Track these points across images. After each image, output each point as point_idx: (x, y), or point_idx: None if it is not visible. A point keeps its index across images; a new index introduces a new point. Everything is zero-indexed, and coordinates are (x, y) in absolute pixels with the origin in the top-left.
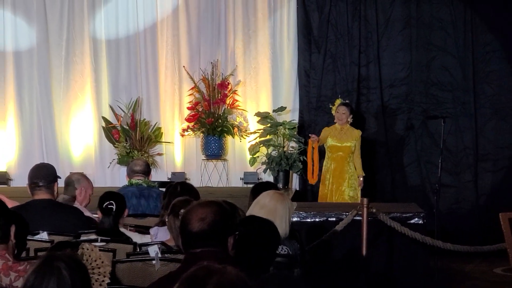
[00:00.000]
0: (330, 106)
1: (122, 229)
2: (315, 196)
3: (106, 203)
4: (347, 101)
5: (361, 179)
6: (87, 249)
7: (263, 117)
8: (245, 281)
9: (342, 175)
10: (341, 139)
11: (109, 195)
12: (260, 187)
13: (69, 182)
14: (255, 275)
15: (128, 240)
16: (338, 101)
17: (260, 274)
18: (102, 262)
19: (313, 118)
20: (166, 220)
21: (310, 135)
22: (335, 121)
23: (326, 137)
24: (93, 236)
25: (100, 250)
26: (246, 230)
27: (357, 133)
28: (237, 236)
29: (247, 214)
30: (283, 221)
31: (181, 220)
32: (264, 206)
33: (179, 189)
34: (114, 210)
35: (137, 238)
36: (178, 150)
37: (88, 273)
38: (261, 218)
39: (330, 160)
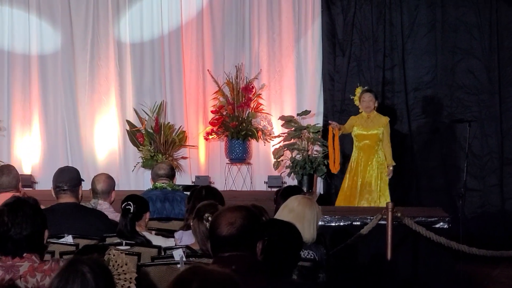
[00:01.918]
0: (352, 97)
1: (144, 233)
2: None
3: (124, 204)
4: (366, 87)
5: (391, 168)
6: (114, 255)
7: (287, 120)
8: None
9: (368, 165)
10: (368, 127)
11: (129, 197)
12: (288, 191)
13: (106, 190)
14: (277, 279)
15: (152, 244)
16: (358, 90)
17: (283, 278)
18: (128, 268)
19: (337, 122)
20: (191, 224)
21: (329, 121)
22: (361, 110)
23: (351, 126)
24: (117, 240)
25: (124, 253)
26: (268, 234)
27: (385, 119)
28: (266, 241)
29: (275, 217)
30: (311, 226)
31: (210, 224)
32: (292, 210)
33: (204, 193)
34: (131, 211)
35: (160, 241)
36: (202, 154)
37: (113, 277)
38: (283, 221)
39: (357, 149)
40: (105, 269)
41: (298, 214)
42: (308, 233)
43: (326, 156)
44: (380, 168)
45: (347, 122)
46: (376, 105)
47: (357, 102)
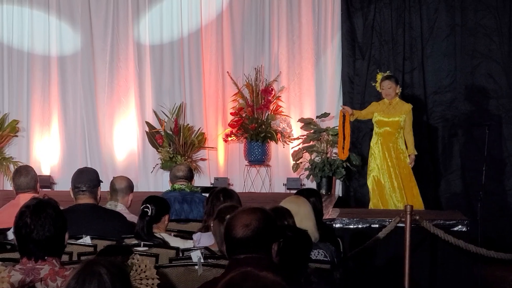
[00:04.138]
0: (373, 84)
1: (163, 234)
2: (358, 202)
3: (143, 206)
4: (388, 71)
5: (413, 157)
6: (138, 260)
7: (307, 123)
8: (282, 286)
9: (389, 153)
10: (389, 114)
11: (151, 199)
12: (302, 194)
13: (124, 188)
14: (295, 280)
15: (170, 245)
16: (379, 76)
17: (300, 279)
18: (152, 274)
19: (356, 125)
20: (211, 225)
21: (342, 105)
22: (383, 96)
23: (371, 112)
24: (135, 241)
25: (142, 254)
26: (283, 235)
27: (407, 107)
28: (281, 243)
29: None
30: (310, 220)
31: (225, 226)
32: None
33: (221, 198)
34: (149, 213)
35: (179, 243)
36: (221, 156)
37: (130, 278)
38: (293, 226)
39: (377, 136)
40: (122, 270)
41: (296, 213)
42: (310, 228)
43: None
44: (400, 157)
45: (367, 108)
46: (397, 91)
47: (378, 88)
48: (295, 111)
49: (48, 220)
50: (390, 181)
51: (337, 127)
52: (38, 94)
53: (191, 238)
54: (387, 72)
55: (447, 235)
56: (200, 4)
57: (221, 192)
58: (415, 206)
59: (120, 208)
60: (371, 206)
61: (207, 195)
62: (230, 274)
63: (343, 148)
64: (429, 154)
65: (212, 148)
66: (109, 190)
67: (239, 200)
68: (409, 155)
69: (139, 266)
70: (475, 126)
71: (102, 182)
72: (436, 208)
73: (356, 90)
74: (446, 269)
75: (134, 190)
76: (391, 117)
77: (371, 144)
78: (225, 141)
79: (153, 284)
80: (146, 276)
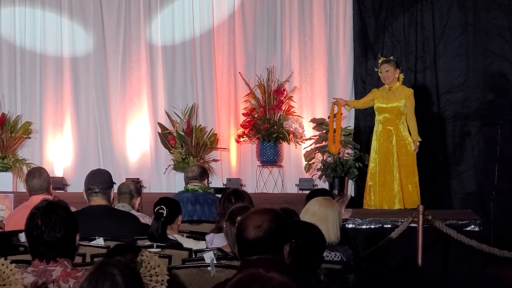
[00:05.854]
0: (376, 70)
1: (176, 235)
2: None
3: (157, 208)
4: (390, 57)
5: (417, 143)
6: (147, 257)
7: (319, 123)
8: (290, 287)
9: (389, 140)
10: (388, 99)
11: (163, 200)
12: (315, 195)
13: (130, 191)
14: (307, 281)
15: (182, 246)
16: (379, 61)
17: (312, 280)
18: (161, 271)
19: (368, 124)
20: (223, 226)
21: (333, 97)
22: (382, 81)
23: (371, 100)
24: (148, 242)
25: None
26: (294, 236)
27: (408, 91)
28: (293, 244)
29: None
30: (334, 226)
31: (237, 227)
32: (314, 214)
33: (233, 199)
34: (164, 215)
35: (191, 244)
36: (233, 156)
37: (142, 279)
38: (306, 223)
39: (377, 123)
40: (135, 271)
41: (321, 216)
42: (333, 233)
43: (357, 159)
44: (402, 144)
45: (367, 95)
46: (397, 75)
47: (379, 73)
48: (307, 111)
49: (58, 222)
50: (387, 176)
51: (349, 127)
52: (51, 95)
53: (204, 239)
54: (390, 57)
55: (460, 235)
56: (212, 4)
57: (232, 194)
58: (409, 204)
59: (127, 209)
60: (365, 205)
61: (220, 195)
62: (237, 276)
63: (334, 141)
64: (442, 154)
65: (225, 149)
66: (116, 193)
67: (251, 201)
68: (413, 141)
69: (149, 263)
70: (487, 125)
71: (115, 183)
72: (449, 208)
73: (368, 90)
74: (458, 269)
75: (146, 191)
76: (390, 103)
77: (373, 135)
78: (237, 141)
79: (163, 280)
80: (155, 272)
